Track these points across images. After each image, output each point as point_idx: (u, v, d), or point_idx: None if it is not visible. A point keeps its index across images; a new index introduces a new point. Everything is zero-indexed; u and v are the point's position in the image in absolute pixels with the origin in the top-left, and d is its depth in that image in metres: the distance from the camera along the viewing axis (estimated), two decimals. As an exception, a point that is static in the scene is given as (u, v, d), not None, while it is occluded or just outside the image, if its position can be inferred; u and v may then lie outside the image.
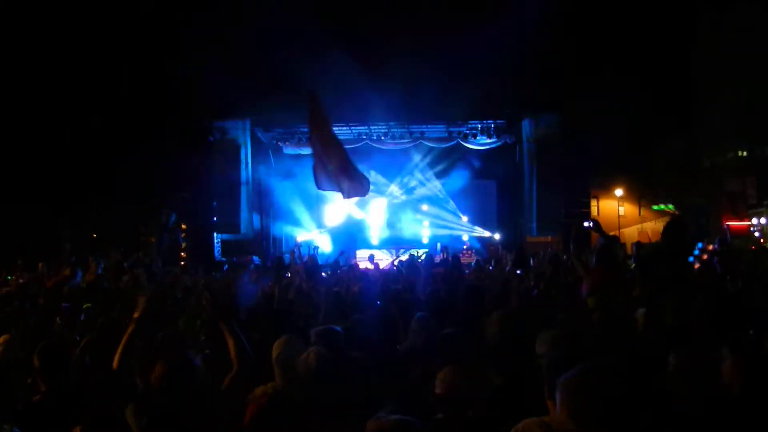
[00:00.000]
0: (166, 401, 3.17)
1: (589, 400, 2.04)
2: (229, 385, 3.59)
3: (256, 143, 23.13)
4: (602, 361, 3.37)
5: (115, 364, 3.71)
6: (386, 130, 22.79)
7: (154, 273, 10.63)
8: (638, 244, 8.06)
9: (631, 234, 28.19)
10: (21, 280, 9.38)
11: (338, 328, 4.51)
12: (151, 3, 20.39)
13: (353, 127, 22.94)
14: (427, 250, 19.77)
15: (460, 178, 23.36)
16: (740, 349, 3.01)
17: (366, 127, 22.92)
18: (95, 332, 3.99)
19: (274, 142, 23.80)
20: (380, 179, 24.48)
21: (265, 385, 3.65)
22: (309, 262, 11.01)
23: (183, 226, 24.11)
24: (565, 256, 8.10)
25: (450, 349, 4.02)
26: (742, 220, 30.76)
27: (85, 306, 6.31)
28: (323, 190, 10.32)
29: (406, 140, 23.09)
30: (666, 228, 5.99)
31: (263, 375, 3.76)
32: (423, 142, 23.19)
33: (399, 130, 22.88)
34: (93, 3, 20.71)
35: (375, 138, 23.08)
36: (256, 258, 20.28)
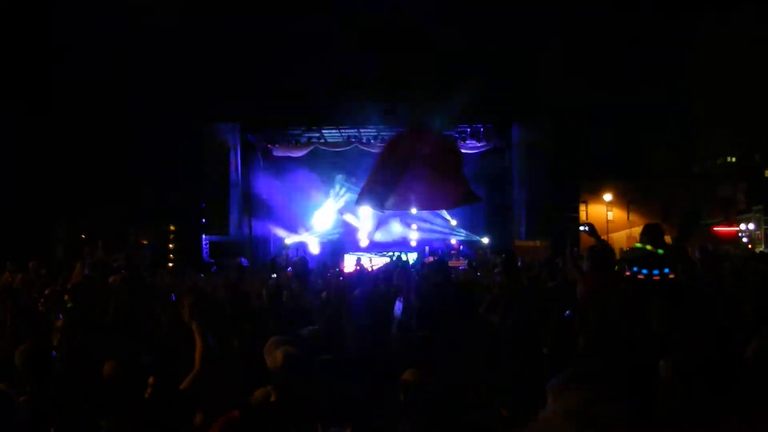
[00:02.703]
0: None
1: (579, 400, 1.99)
2: (189, 385, 3.58)
3: (246, 146, 23.06)
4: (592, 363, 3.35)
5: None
6: (376, 134, 22.72)
7: (143, 275, 10.52)
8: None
9: (619, 239, 28.32)
10: (13, 280, 9.23)
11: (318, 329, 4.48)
12: (143, 8, 20.39)
13: (343, 131, 22.92)
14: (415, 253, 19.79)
15: (449, 181, 23.25)
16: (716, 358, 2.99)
17: (356, 131, 22.89)
18: (63, 333, 3.92)
19: (264, 144, 23.73)
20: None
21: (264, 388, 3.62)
22: (298, 265, 10.95)
23: (172, 228, 24.00)
24: (557, 260, 8.00)
25: (426, 352, 3.98)
26: (731, 226, 30.94)
27: (69, 305, 6.18)
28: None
29: (396, 143, 22.99)
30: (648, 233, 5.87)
31: (255, 379, 3.74)
32: (413, 145, 23.12)
33: (389, 133, 22.83)
34: (86, 8, 20.70)
35: (365, 141, 23.02)
36: (244, 260, 20.19)
